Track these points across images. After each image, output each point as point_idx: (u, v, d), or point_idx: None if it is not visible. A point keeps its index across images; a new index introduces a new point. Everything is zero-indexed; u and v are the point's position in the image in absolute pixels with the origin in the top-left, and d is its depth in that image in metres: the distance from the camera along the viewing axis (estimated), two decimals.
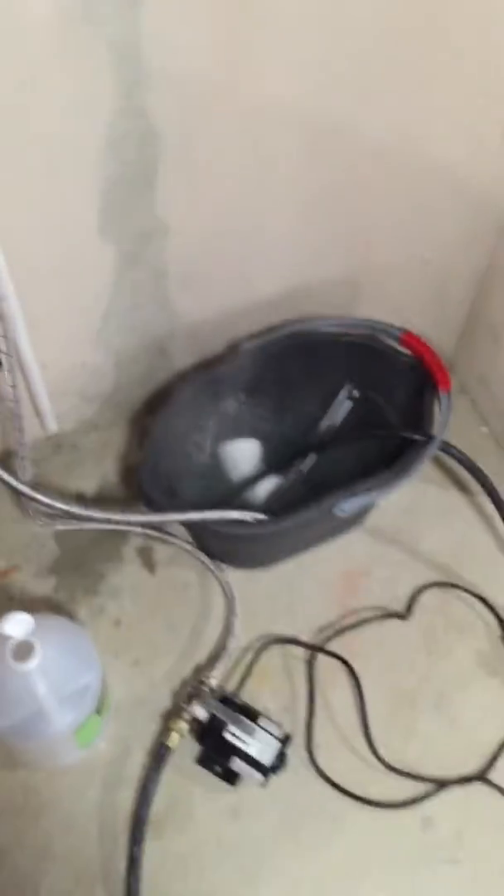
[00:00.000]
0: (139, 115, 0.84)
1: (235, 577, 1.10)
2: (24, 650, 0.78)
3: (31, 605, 1.07)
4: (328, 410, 1.16)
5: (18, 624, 0.78)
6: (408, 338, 1.08)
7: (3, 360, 0.85)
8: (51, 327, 1.02)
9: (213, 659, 1.03)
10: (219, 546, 1.10)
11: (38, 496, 0.88)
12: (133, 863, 0.88)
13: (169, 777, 0.94)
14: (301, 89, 0.91)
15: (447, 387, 1.03)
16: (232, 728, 0.93)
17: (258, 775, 0.92)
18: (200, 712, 0.94)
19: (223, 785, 0.95)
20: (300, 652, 1.05)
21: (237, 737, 0.92)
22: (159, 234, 0.99)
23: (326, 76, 0.91)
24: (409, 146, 1.02)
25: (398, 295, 1.25)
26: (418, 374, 1.06)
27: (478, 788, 0.96)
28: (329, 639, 1.05)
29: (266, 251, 1.11)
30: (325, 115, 0.95)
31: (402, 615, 1.08)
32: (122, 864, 0.89)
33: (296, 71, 0.89)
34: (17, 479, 0.87)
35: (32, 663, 0.78)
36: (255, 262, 1.12)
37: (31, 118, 0.80)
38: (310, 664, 1.04)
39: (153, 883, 0.89)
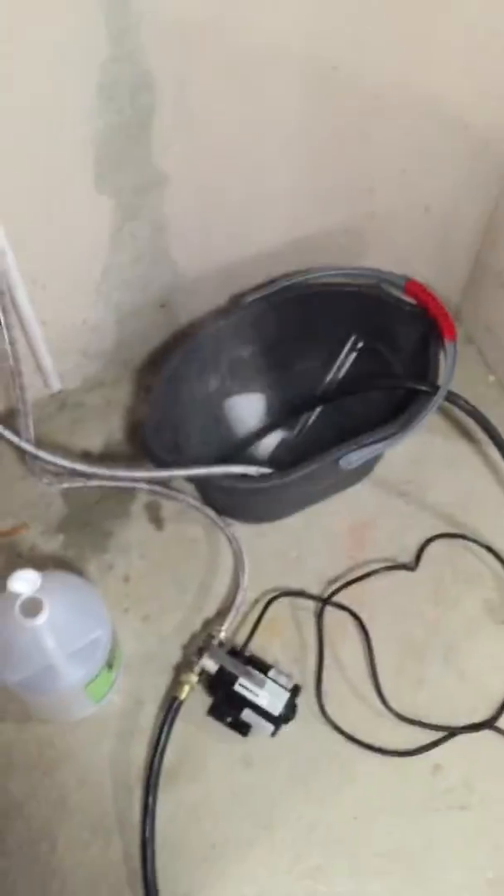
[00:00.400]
0: (130, 62, 0.82)
1: (243, 531, 1.10)
2: (32, 606, 0.79)
3: (40, 562, 1.07)
4: (333, 362, 1.15)
5: (26, 581, 0.79)
6: (412, 286, 1.06)
7: (2, 318, 0.84)
8: (50, 283, 1.01)
9: (223, 613, 1.04)
10: (225, 501, 1.10)
11: (42, 454, 0.88)
12: (147, 812, 0.90)
13: (181, 728, 0.95)
14: (297, 30, 0.89)
15: (452, 336, 1.01)
16: (242, 680, 0.94)
17: (269, 726, 0.93)
18: (210, 665, 0.95)
19: (235, 735, 0.96)
20: (309, 604, 1.05)
21: (247, 688, 0.93)
22: (157, 186, 0.98)
23: (323, 15, 0.88)
24: (410, 89, 1.00)
25: (402, 244, 1.23)
26: (423, 323, 1.05)
27: (487, 736, 0.97)
28: (337, 591, 1.05)
29: (267, 201, 1.09)
30: (324, 57, 0.93)
31: (410, 566, 1.08)
32: (136, 814, 0.91)
33: (291, 10, 0.86)
34: (20, 437, 0.87)
35: (40, 619, 0.78)
36: (256, 214, 1.10)
37: (18, 69, 0.78)
38: (318, 616, 1.04)
39: (168, 831, 0.90)
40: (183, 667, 0.99)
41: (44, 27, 0.76)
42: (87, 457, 1.17)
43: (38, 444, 1.13)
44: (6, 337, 0.85)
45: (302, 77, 0.94)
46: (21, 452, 0.96)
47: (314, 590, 1.06)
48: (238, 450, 1.13)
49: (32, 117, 0.83)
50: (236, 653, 0.97)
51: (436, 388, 0.98)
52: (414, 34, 0.94)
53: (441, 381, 0.99)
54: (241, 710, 0.93)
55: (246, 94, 0.93)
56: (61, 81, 0.81)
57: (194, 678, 0.95)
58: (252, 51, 0.88)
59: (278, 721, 0.93)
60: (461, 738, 0.97)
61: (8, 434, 0.86)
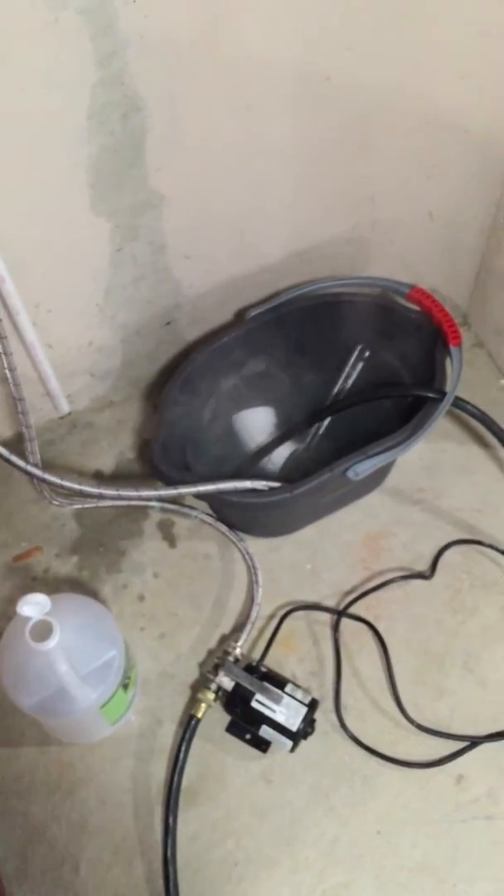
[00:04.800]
0: (120, 84, 0.82)
1: (257, 546, 1.10)
2: (42, 630, 0.79)
3: (54, 585, 1.08)
4: (340, 372, 1.15)
5: (35, 605, 0.79)
6: (415, 293, 1.05)
7: (0, 344, 0.84)
8: (53, 307, 1.02)
9: (238, 628, 1.04)
10: (237, 516, 1.09)
11: (48, 477, 0.88)
12: (168, 832, 0.89)
13: (200, 746, 0.95)
14: (287, 42, 0.89)
15: (457, 341, 1.00)
16: (259, 696, 0.93)
17: (288, 741, 0.92)
18: (226, 682, 0.95)
19: (254, 752, 0.96)
20: (325, 617, 1.04)
21: (264, 705, 0.93)
22: (154, 206, 0.98)
23: (313, 26, 0.88)
24: (409, 95, 1.00)
25: (408, 251, 1.23)
26: (428, 330, 1.04)
27: None
28: (353, 602, 1.05)
29: (268, 215, 1.09)
30: (316, 68, 0.93)
31: (426, 575, 1.07)
32: (158, 834, 0.91)
33: (279, 22, 0.87)
34: (26, 461, 0.87)
35: (51, 643, 0.78)
36: (258, 227, 1.10)
37: (7, 94, 0.79)
38: (335, 629, 1.03)
39: (190, 851, 0.90)
40: (200, 684, 0.98)
41: (30, 54, 0.77)
42: (99, 477, 1.17)
43: (50, 465, 1.14)
44: (5, 363, 0.86)
45: (295, 89, 0.94)
46: (29, 474, 0.97)
47: (330, 602, 1.06)
48: (248, 464, 1.13)
49: (25, 143, 0.84)
50: (252, 668, 0.97)
51: (443, 395, 0.97)
52: (408, 40, 0.94)
53: (448, 387, 0.98)
54: (259, 726, 0.93)
55: (239, 110, 0.93)
56: (51, 107, 0.82)
57: (211, 696, 0.95)
58: (242, 66, 0.89)
59: (296, 736, 0.92)
60: (484, 748, 0.95)
61: (14, 459, 0.86)
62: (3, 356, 0.85)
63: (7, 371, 0.87)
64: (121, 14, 0.77)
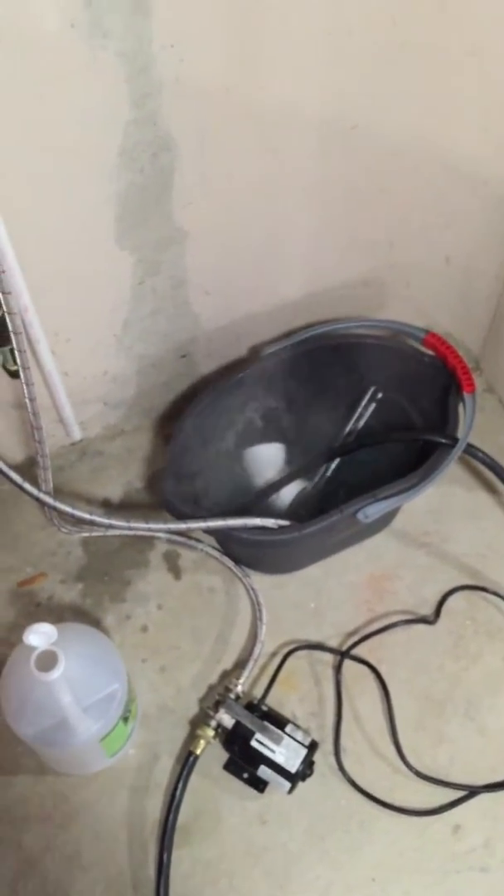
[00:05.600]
0: (152, 125, 0.84)
1: (262, 582, 1.10)
2: (47, 660, 0.79)
3: (58, 611, 1.08)
4: (352, 413, 1.16)
5: (41, 634, 0.79)
6: (431, 339, 1.06)
7: (22, 374, 0.85)
8: (72, 336, 1.03)
9: (240, 665, 1.03)
10: (244, 552, 1.10)
11: (59, 505, 0.89)
12: (162, 869, 0.89)
13: (197, 783, 0.94)
14: (315, 93, 0.91)
15: (471, 388, 1.01)
16: (259, 735, 0.93)
17: (286, 783, 0.92)
18: (227, 719, 0.94)
19: (251, 791, 0.95)
20: (327, 657, 1.04)
21: (264, 745, 0.92)
22: (177, 242, 0.99)
23: (340, 78, 0.90)
24: (428, 145, 1.01)
25: (423, 295, 1.24)
26: (442, 375, 1.05)
27: None
28: (356, 644, 1.04)
29: (287, 255, 1.10)
30: (341, 118, 0.95)
31: (430, 619, 1.07)
32: (151, 871, 0.90)
33: (308, 75, 0.88)
34: (38, 488, 0.88)
35: (56, 673, 0.78)
36: (277, 267, 1.11)
37: (45, 131, 0.80)
38: (337, 670, 1.03)
39: (183, 889, 0.89)
40: (199, 720, 0.98)
41: (67, 92, 0.78)
42: (106, 505, 1.18)
43: (59, 492, 1.14)
44: (26, 392, 0.86)
45: (320, 136, 0.96)
46: (41, 502, 0.97)
47: (333, 642, 1.05)
48: (257, 500, 1.13)
49: (56, 177, 0.85)
50: (253, 706, 0.97)
51: (455, 441, 0.98)
52: (431, 92, 0.96)
53: (460, 433, 0.99)
54: (257, 766, 0.92)
55: (265, 154, 0.95)
56: (85, 143, 0.83)
57: (211, 732, 0.94)
58: (271, 112, 0.90)
59: (295, 778, 0.91)
60: (482, 798, 0.95)
61: (27, 486, 0.87)
62: (24, 386, 0.86)
63: (27, 400, 0.87)
64: (158, 57, 0.78)
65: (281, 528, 0.96)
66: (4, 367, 0.94)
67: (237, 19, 0.80)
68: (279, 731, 0.93)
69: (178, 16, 0.77)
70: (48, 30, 0.72)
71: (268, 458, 1.16)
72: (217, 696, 0.98)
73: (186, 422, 1.06)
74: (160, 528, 0.95)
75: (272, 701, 1.00)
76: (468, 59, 0.92)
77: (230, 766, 0.96)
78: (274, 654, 1.05)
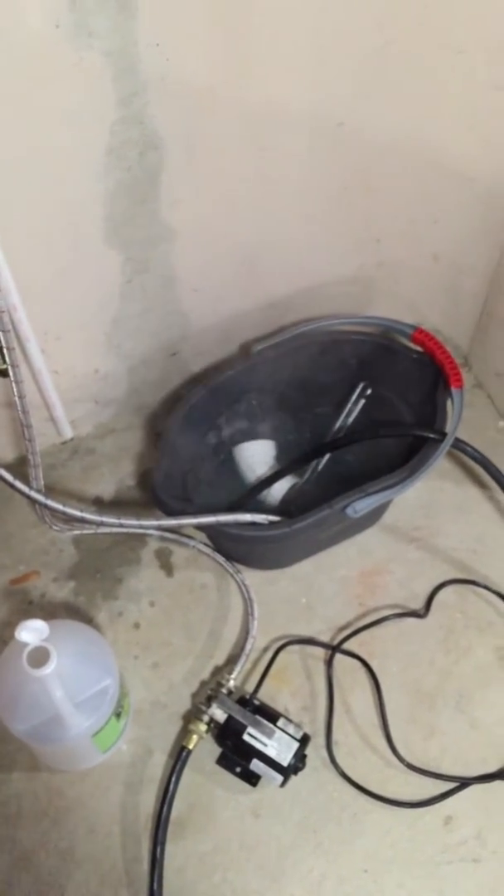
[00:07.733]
0: (139, 123, 0.84)
1: (253, 578, 1.10)
2: (39, 656, 0.79)
3: (50, 609, 1.08)
4: (342, 409, 1.16)
5: (33, 630, 0.79)
6: (419, 335, 1.07)
7: (11, 372, 0.86)
8: (62, 334, 1.04)
9: (232, 660, 1.04)
10: (235, 548, 1.10)
11: (50, 503, 0.89)
12: (156, 864, 0.89)
13: (190, 778, 0.95)
14: (302, 90, 0.91)
15: (459, 384, 1.02)
16: (251, 730, 0.93)
17: (278, 776, 0.92)
18: (219, 714, 0.95)
19: (244, 785, 0.96)
20: (318, 652, 1.05)
21: (256, 739, 0.93)
22: (166, 240, 1.00)
23: (327, 76, 0.91)
24: (414, 143, 1.02)
25: (412, 292, 1.25)
26: (430, 371, 1.06)
27: (499, 787, 0.95)
28: (347, 638, 1.05)
29: (276, 252, 1.11)
30: (329, 115, 0.95)
31: (421, 613, 1.08)
32: (145, 865, 0.90)
33: (294, 73, 0.89)
34: (29, 486, 0.88)
35: (48, 669, 0.78)
36: (266, 264, 1.12)
37: (32, 130, 0.81)
38: (328, 664, 1.04)
39: (176, 883, 0.90)
40: (192, 715, 0.98)
41: (54, 92, 0.79)
42: (98, 503, 1.18)
43: (51, 490, 1.15)
44: (15, 391, 0.87)
45: (309, 133, 0.97)
46: (32, 500, 0.98)
47: (324, 637, 1.06)
48: (248, 496, 1.14)
49: (44, 176, 0.85)
50: (245, 701, 0.97)
51: (443, 436, 0.98)
52: (419, 91, 0.96)
53: (448, 428, 1.00)
54: (250, 760, 0.93)
55: (252, 151, 0.95)
56: (72, 142, 0.84)
57: (203, 727, 0.95)
58: (259, 110, 0.91)
59: (287, 771, 0.92)
60: (473, 789, 0.96)
61: (18, 485, 0.87)
62: (14, 384, 0.86)
63: (17, 398, 0.88)
64: (143, 57, 0.79)
65: (271, 523, 0.97)
66: None
67: (222, 18, 0.80)
68: (271, 725, 0.94)
69: (164, 15, 0.77)
70: (33, 30, 0.73)
71: (258, 455, 1.17)
72: (209, 692, 0.99)
73: (177, 419, 1.07)
74: (151, 525, 0.95)
75: (264, 695, 1.00)
76: (454, 58, 0.93)
77: (223, 761, 0.97)
78: (266, 649, 1.05)
